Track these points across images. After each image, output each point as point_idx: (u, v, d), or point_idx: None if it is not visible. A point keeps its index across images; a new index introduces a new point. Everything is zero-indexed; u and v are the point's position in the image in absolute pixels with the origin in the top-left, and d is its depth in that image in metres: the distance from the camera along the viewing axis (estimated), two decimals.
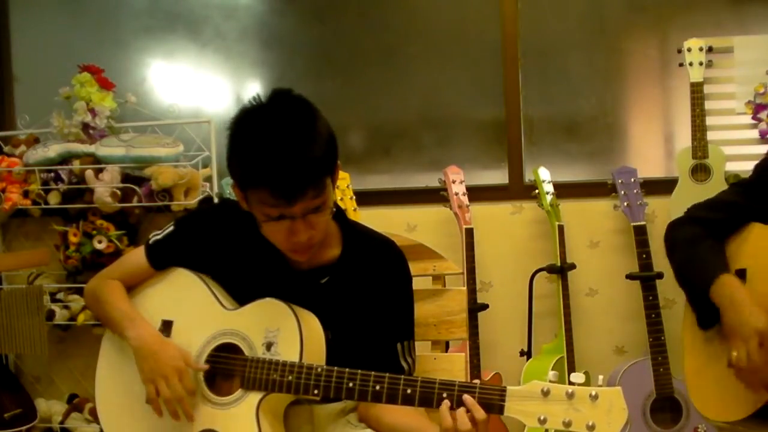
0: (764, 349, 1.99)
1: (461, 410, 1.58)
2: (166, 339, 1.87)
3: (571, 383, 1.51)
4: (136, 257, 2.01)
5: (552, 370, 3.11)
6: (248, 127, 1.71)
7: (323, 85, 3.75)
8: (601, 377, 1.54)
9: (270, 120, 1.69)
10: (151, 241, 1.99)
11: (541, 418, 1.50)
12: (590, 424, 1.47)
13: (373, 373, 1.68)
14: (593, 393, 1.48)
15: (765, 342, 1.98)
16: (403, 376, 1.66)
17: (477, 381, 1.60)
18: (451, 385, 1.61)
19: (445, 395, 1.61)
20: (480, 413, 1.57)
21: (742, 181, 2.25)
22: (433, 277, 2.28)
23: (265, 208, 1.70)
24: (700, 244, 2.17)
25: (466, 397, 1.59)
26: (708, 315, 2.14)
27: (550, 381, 1.52)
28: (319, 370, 1.71)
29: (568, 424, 1.48)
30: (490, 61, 3.62)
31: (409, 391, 1.64)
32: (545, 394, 1.51)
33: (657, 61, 3.55)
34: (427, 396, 1.63)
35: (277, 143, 1.65)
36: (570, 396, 1.49)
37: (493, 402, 1.57)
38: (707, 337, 2.23)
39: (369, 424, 1.85)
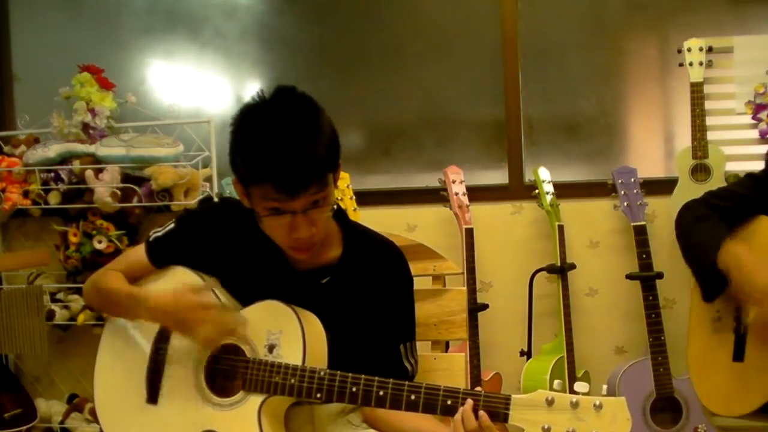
0: None
1: (467, 411, 1.58)
2: (162, 294, 1.83)
3: (575, 392, 1.50)
4: (136, 254, 2.00)
5: (552, 370, 3.12)
6: (252, 123, 1.71)
7: (323, 85, 3.74)
8: (604, 387, 1.54)
9: (274, 116, 1.69)
10: (151, 238, 1.99)
11: (545, 427, 1.49)
12: None
13: (376, 378, 1.68)
14: (597, 402, 1.48)
15: None
16: (407, 382, 1.66)
17: (481, 389, 1.60)
18: (455, 391, 1.61)
19: (449, 402, 1.61)
20: None
21: (756, 174, 2.29)
22: (433, 277, 2.29)
23: (267, 203, 1.70)
24: (709, 220, 2.23)
25: (482, 413, 1.57)
26: (712, 286, 2.19)
27: (555, 390, 1.52)
28: (322, 373, 1.71)
29: None
30: (490, 61, 3.61)
31: (413, 397, 1.64)
32: (550, 403, 1.51)
33: (657, 61, 3.55)
34: (431, 402, 1.62)
35: (282, 138, 1.66)
36: (574, 405, 1.49)
37: (498, 410, 1.56)
38: (713, 329, 2.24)
39: (375, 425, 1.85)
